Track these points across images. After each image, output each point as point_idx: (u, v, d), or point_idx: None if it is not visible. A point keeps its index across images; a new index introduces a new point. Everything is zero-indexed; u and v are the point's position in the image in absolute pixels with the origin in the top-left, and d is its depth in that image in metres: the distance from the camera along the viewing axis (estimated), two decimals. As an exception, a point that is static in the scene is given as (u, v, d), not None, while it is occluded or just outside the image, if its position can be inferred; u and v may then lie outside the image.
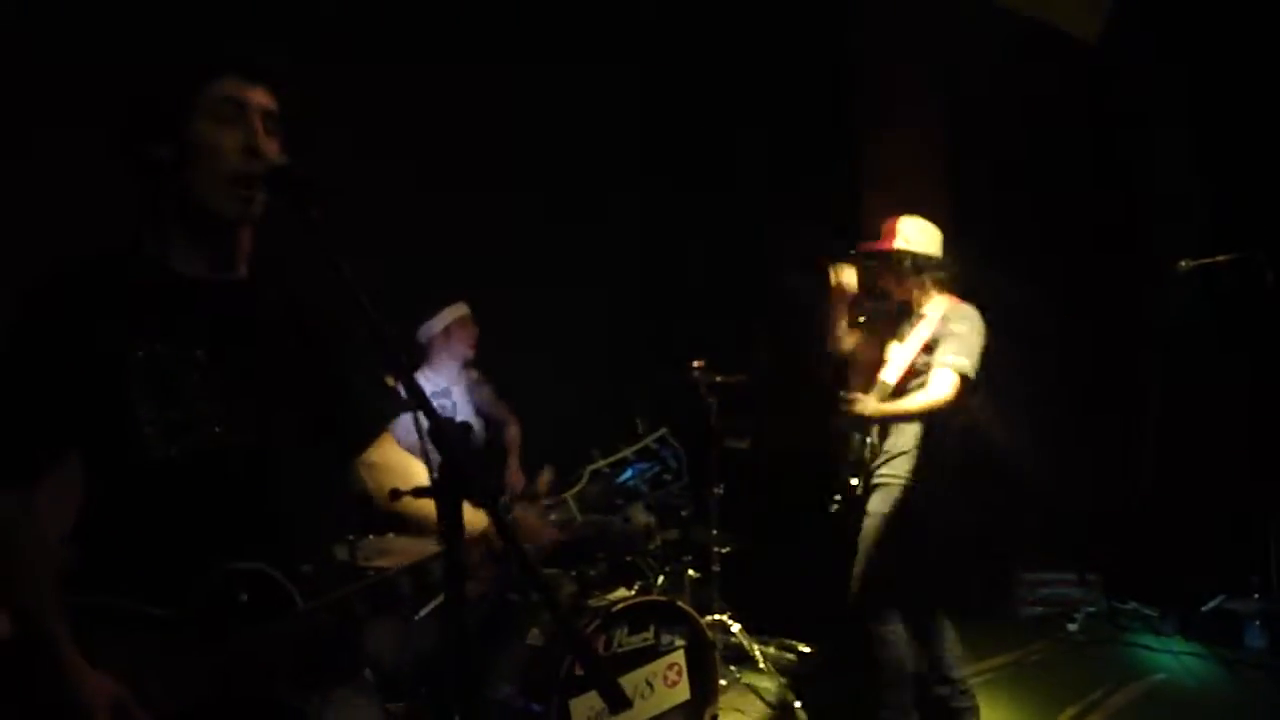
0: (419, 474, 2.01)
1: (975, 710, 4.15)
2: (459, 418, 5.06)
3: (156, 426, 1.85)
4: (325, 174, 1.87)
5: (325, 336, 2.11)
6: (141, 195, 1.93)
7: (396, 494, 1.69)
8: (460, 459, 1.59)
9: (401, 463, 2.19)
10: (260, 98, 1.91)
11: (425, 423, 1.59)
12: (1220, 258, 4.69)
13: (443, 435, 1.59)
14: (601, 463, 2.02)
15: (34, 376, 1.84)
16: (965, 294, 4.27)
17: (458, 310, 5.03)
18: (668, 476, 2.05)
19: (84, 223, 2.59)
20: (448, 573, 1.59)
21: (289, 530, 1.99)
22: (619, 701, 1.73)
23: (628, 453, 2.02)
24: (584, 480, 2.02)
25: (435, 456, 1.60)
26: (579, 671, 3.61)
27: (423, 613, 4.03)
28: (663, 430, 2.09)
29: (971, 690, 4.18)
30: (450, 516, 1.58)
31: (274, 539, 1.94)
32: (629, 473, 2.01)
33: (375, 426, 2.21)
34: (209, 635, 1.82)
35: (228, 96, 1.87)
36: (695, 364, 5.03)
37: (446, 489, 1.58)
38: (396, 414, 2.24)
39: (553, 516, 2.00)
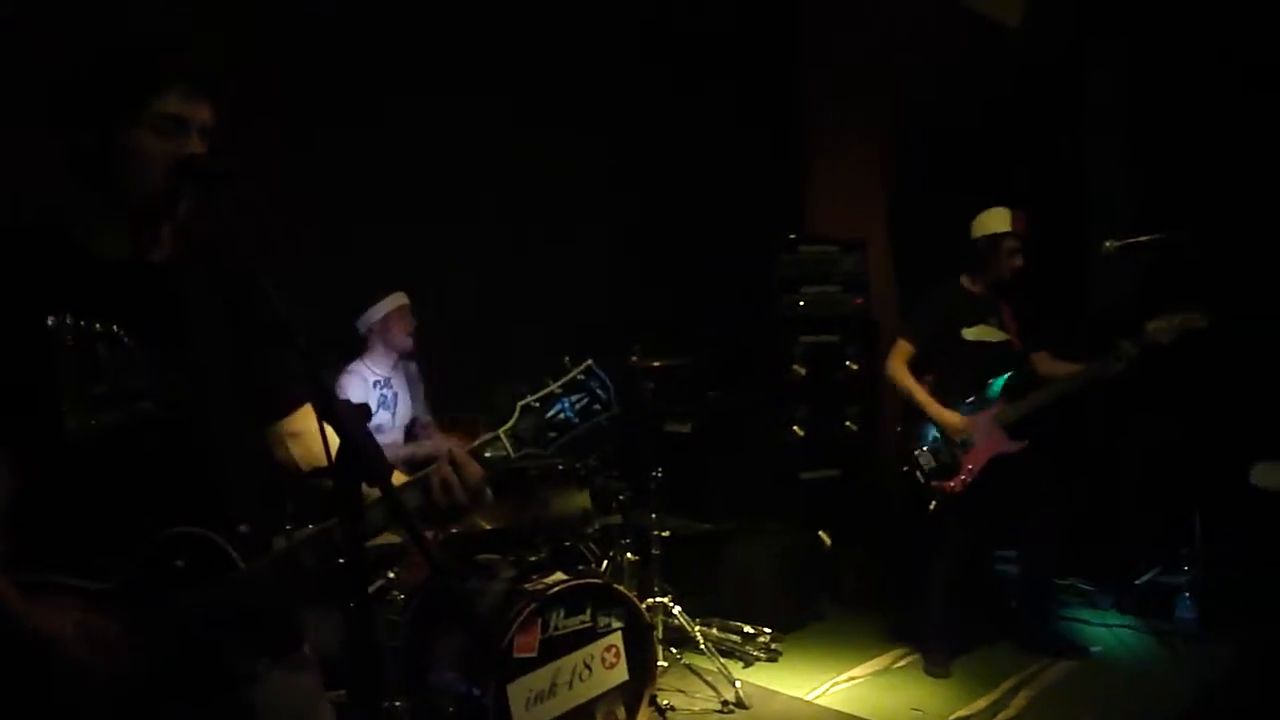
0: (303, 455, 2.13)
1: None
2: (399, 408, 5.07)
3: (80, 400, 1.88)
4: (241, 165, 1.89)
5: (250, 311, 2.12)
6: (66, 175, 1.96)
7: (310, 475, 1.72)
8: (358, 440, 1.62)
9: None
10: (202, 113, 1.95)
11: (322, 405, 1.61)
12: (1144, 237, 4.77)
13: (338, 417, 1.62)
14: (530, 398, 2.03)
15: None
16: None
17: (397, 300, 5.03)
18: (597, 406, 2.05)
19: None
20: (348, 552, 1.62)
21: (223, 496, 2.02)
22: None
23: (554, 386, 2.02)
24: (515, 415, 2.02)
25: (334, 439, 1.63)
26: (524, 653, 3.68)
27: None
28: (588, 361, 2.08)
29: None
30: (349, 498, 1.60)
31: (207, 505, 1.97)
32: (558, 405, 2.02)
33: (297, 396, 2.22)
34: (148, 604, 1.84)
35: (173, 114, 1.91)
36: (633, 347, 5.06)
37: (345, 470, 1.61)
38: (306, 391, 2.19)
39: (487, 454, 2.00)
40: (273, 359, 2.17)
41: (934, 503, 5.05)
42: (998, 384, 5.03)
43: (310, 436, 2.18)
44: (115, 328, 1.93)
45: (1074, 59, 6.36)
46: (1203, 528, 5.44)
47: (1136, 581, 5.83)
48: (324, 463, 1.71)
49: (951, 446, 5.01)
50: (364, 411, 4.69)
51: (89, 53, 1.96)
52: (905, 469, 5.15)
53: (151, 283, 2.01)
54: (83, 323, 1.90)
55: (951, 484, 5.00)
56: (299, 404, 2.21)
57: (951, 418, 4.99)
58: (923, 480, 5.08)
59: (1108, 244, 4.70)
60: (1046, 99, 6.50)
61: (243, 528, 2.00)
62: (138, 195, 1.92)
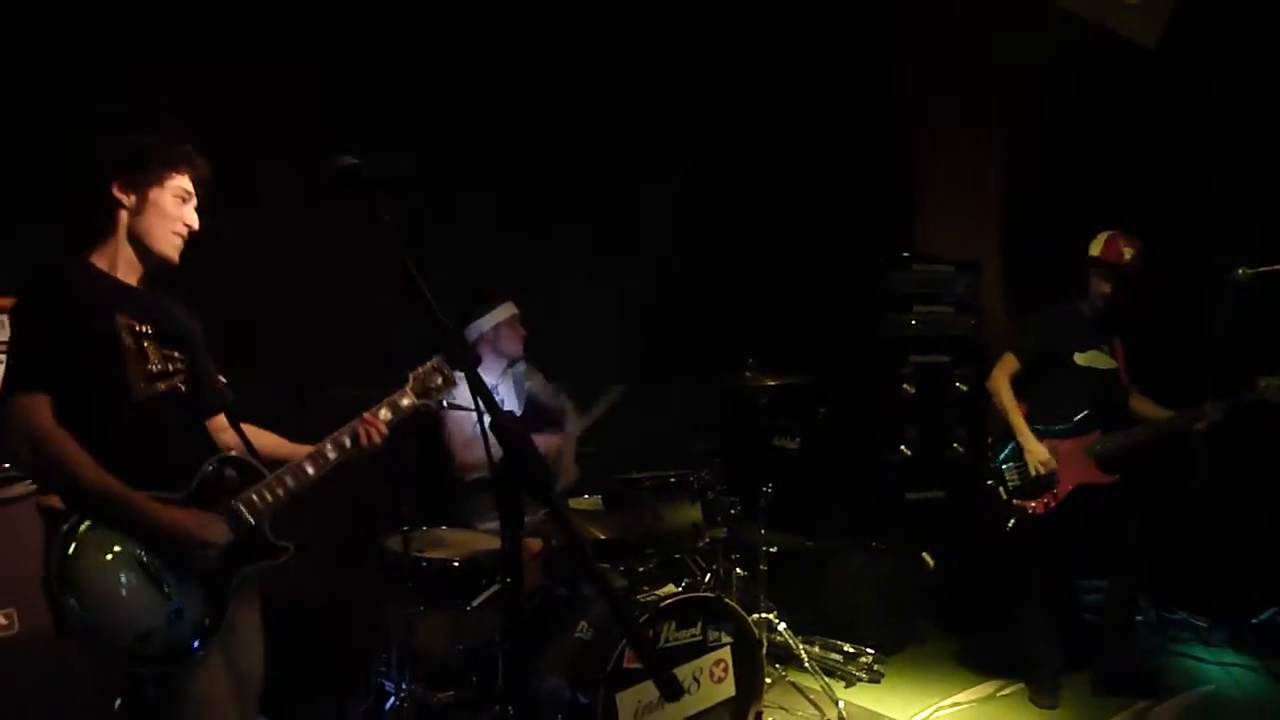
0: (236, 445, 3.03)
1: None
2: (507, 412, 5.12)
3: (139, 375, 2.72)
4: (393, 174, 1.96)
5: (195, 335, 3.01)
6: (98, 227, 2.81)
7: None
8: (520, 453, 1.64)
9: (236, 428, 3.08)
10: (194, 194, 2.93)
11: (488, 417, 1.65)
12: (1279, 265, 4.63)
13: (503, 430, 1.65)
14: (418, 369, 3.32)
15: (47, 336, 2.62)
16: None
17: (507, 310, 5.07)
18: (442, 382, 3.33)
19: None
20: (505, 564, 1.65)
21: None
22: (673, 690, 1.80)
23: (429, 365, 3.34)
24: (409, 383, 3.29)
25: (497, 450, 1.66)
26: (633, 663, 3.67)
27: (474, 603, 4.11)
28: (439, 356, 3.29)
29: None
30: (510, 508, 1.63)
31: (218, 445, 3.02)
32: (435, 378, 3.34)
33: (217, 407, 3.11)
34: (210, 505, 2.78)
35: (185, 189, 2.89)
36: (747, 364, 5.06)
37: (506, 481, 1.63)
38: (225, 403, 3.11)
39: (404, 402, 3.22)
40: (207, 376, 3.04)
41: (1013, 520, 4.99)
42: (1095, 414, 4.94)
43: (229, 431, 3.09)
44: (148, 328, 2.78)
45: (1201, 81, 6.21)
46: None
47: (1254, 620, 5.66)
48: (253, 447, 3.03)
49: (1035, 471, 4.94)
50: (526, 423, 4.76)
51: (146, 136, 2.86)
52: (989, 482, 5.08)
53: (152, 302, 2.87)
54: (133, 323, 2.74)
55: (1034, 505, 4.93)
56: (218, 412, 3.11)
57: (1037, 449, 4.91)
58: (1005, 496, 5.02)
59: (1240, 272, 4.55)
60: (1171, 121, 6.35)
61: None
62: (158, 238, 2.83)
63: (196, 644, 2.66)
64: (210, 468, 2.82)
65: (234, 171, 3.49)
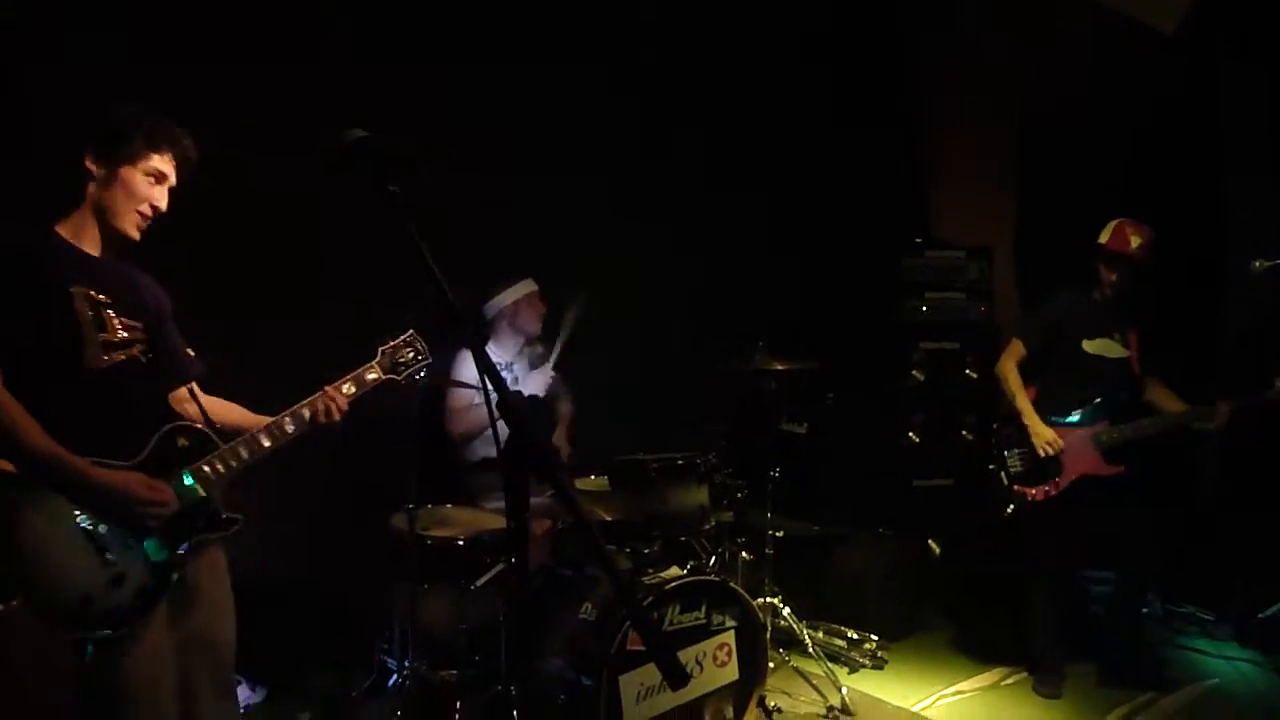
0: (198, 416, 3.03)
1: None
2: (522, 390, 5.10)
3: (94, 345, 2.73)
4: (404, 149, 1.94)
5: (161, 307, 3.04)
6: (67, 199, 2.82)
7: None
8: (528, 433, 1.62)
9: (202, 398, 3.10)
10: (174, 175, 2.91)
11: (495, 396, 1.63)
12: (1295, 258, 4.59)
13: (509, 409, 1.63)
14: (388, 344, 3.28)
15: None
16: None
17: (527, 286, 5.07)
18: (418, 358, 3.31)
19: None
20: (510, 544, 1.63)
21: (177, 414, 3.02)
22: (678, 677, 1.78)
23: (399, 340, 3.29)
24: (377, 357, 3.26)
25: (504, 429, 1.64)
26: (637, 645, 3.65)
27: (479, 583, 4.10)
28: (410, 330, 3.29)
29: None
30: (516, 488, 1.61)
31: (175, 417, 2.95)
32: (405, 351, 3.31)
33: (185, 378, 3.12)
34: (164, 472, 2.78)
35: (160, 170, 2.86)
36: (756, 347, 5.04)
37: (512, 461, 1.61)
38: (192, 375, 3.13)
39: (369, 376, 3.22)
40: (174, 347, 3.09)
41: (1011, 506, 4.99)
42: (1104, 403, 4.91)
43: (195, 402, 3.09)
44: (108, 298, 2.79)
45: (1218, 71, 6.16)
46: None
47: (1260, 615, 5.63)
48: (217, 419, 3.05)
49: (1040, 456, 4.91)
50: (534, 403, 4.74)
51: (120, 110, 2.85)
52: (991, 467, 5.06)
53: (115, 273, 2.88)
54: (91, 293, 2.75)
55: (1034, 492, 4.91)
56: (187, 382, 3.11)
57: (1043, 430, 4.89)
58: (1006, 482, 5.01)
59: (1257, 264, 4.51)
60: (1188, 110, 6.30)
61: (217, 425, 3.02)
62: (121, 215, 2.81)
63: (138, 610, 2.66)
64: (162, 436, 2.81)
65: (240, 139, 3.48)
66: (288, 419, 3.01)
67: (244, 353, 3.75)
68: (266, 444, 2.95)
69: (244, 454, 2.90)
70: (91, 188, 2.80)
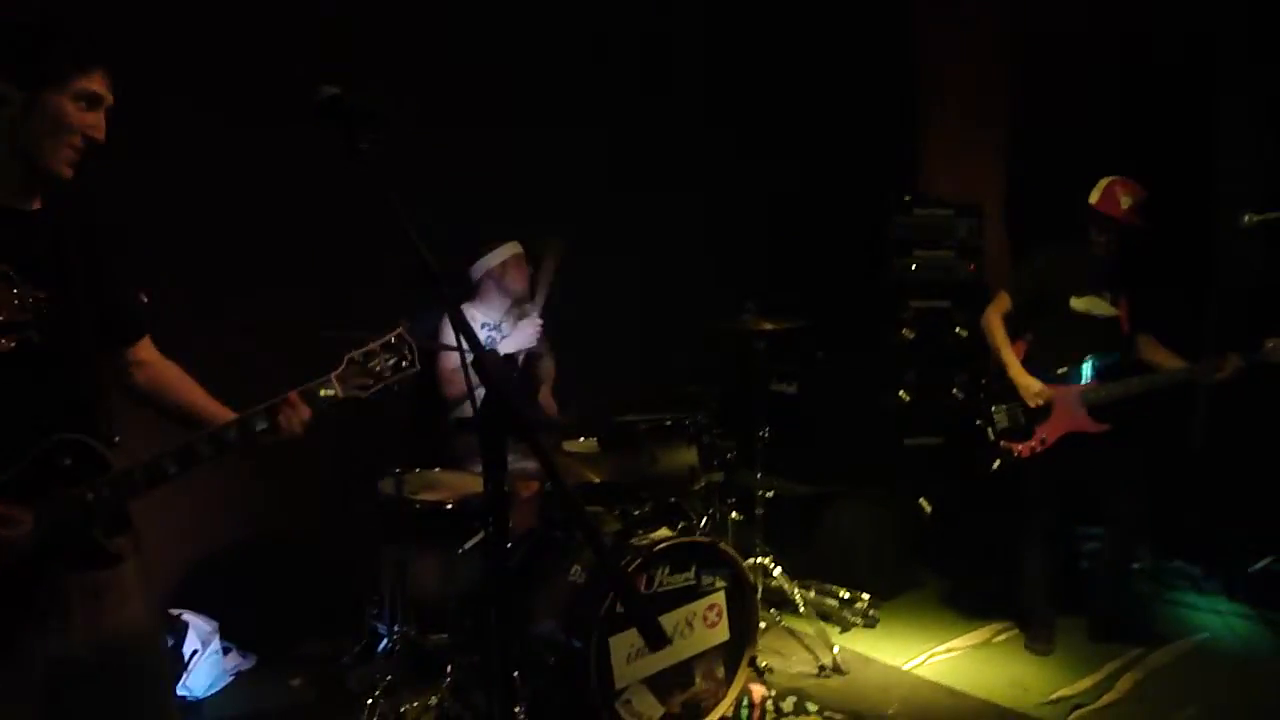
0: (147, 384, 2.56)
1: None
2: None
3: None
4: (378, 105, 1.90)
5: (107, 253, 2.43)
6: None
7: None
8: (504, 393, 1.60)
9: (161, 363, 2.61)
10: (110, 97, 2.26)
11: (469, 356, 1.60)
12: (1285, 212, 4.55)
13: (486, 369, 1.60)
14: (356, 352, 2.43)
15: None
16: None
17: (513, 248, 5.02)
18: (405, 364, 2.48)
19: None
20: (490, 506, 1.61)
21: (95, 412, 2.34)
22: (658, 639, 1.77)
23: (374, 345, 2.44)
24: (343, 365, 2.42)
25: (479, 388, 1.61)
26: (620, 608, 3.64)
27: (466, 547, 4.09)
28: (400, 329, 2.48)
29: None
30: (493, 450, 1.59)
31: (84, 419, 2.27)
32: (376, 360, 2.45)
33: (140, 329, 2.58)
34: (37, 493, 2.13)
35: (94, 92, 2.21)
36: (745, 306, 5.00)
37: (488, 422, 1.59)
38: (148, 324, 2.60)
39: (321, 393, 2.39)
40: (123, 297, 2.51)
41: (998, 461, 4.98)
42: (1093, 361, 4.88)
43: (154, 365, 2.59)
44: (5, 267, 2.18)
45: (1212, 25, 6.10)
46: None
47: (1250, 569, 5.64)
48: (170, 392, 2.54)
49: (1026, 411, 4.89)
50: (511, 363, 4.70)
51: (32, 21, 2.21)
52: (978, 423, 5.05)
53: (33, 229, 2.27)
54: None
55: (1019, 448, 4.91)
56: (142, 334, 2.57)
57: (1028, 381, 4.87)
58: (992, 438, 5.00)
59: (1247, 218, 4.48)
60: (1179, 65, 6.25)
61: (116, 439, 2.34)
62: (47, 152, 2.19)
63: None
64: (41, 451, 2.16)
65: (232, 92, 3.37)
66: (233, 428, 2.35)
67: (216, 333, 3.65)
68: (173, 471, 2.27)
69: (140, 480, 2.24)
70: (3, 116, 2.18)
